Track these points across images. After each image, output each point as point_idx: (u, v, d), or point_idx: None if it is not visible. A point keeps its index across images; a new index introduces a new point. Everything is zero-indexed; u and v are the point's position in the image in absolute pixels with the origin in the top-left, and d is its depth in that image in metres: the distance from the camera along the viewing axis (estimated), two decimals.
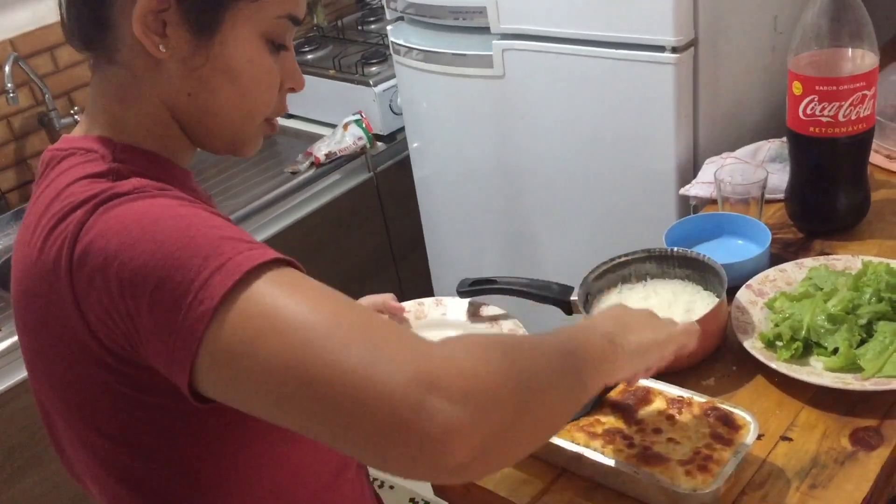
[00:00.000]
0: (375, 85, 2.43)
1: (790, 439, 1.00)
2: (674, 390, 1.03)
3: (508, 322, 1.21)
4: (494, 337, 0.72)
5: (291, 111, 2.74)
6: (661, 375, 1.09)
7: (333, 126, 2.50)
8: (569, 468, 1.00)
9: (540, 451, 1.01)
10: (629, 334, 0.83)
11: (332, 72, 2.55)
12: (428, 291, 2.34)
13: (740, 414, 0.98)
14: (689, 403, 1.00)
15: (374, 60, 2.52)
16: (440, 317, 1.25)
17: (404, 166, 2.34)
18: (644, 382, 1.04)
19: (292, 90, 0.86)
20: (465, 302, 1.26)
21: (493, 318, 1.23)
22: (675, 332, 0.91)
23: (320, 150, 2.40)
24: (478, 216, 1.97)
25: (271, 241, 2.29)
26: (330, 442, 0.63)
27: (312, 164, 2.41)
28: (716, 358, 1.14)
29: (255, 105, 0.82)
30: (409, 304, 1.28)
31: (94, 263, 0.68)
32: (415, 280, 2.55)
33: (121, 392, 0.74)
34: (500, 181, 1.87)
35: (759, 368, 1.09)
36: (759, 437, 1.01)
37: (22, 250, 0.77)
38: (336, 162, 2.42)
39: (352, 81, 2.49)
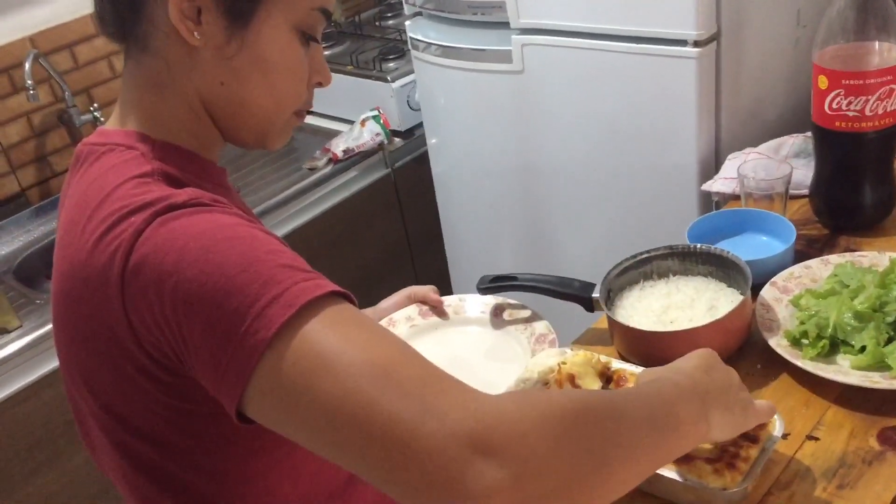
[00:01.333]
0: (393, 81, 2.42)
1: (817, 438, 0.99)
2: None
3: (540, 324, 1.20)
4: (568, 399, 0.67)
5: None
6: None
7: (351, 122, 2.49)
8: None
9: None
10: (717, 411, 0.80)
11: (349, 67, 2.54)
12: (445, 288, 2.33)
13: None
14: None
15: (392, 56, 2.51)
16: (479, 315, 1.25)
17: (422, 162, 2.33)
18: None
19: (320, 84, 0.86)
20: (503, 301, 1.26)
21: (527, 321, 1.21)
22: (754, 415, 0.88)
23: (338, 147, 2.40)
24: (496, 212, 1.96)
25: (289, 237, 2.30)
26: (368, 478, 0.63)
27: (330, 160, 2.40)
28: (740, 356, 1.12)
29: (285, 96, 0.82)
30: (450, 300, 1.27)
31: (149, 276, 0.68)
32: (432, 277, 2.54)
33: (159, 398, 0.74)
34: (519, 177, 1.86)
35: (784, 366, 1.08)
36: (785, 436, 0.99)
37: (67, 249, 0.76)
38: (353, 158, 2.41)
39: (369, 77, 2.49)
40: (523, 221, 1.92)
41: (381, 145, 2.43)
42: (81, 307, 0.75)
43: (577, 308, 1.21)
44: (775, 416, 0.95)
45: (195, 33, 0.77)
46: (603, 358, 1.06)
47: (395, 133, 2.49)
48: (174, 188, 0.74)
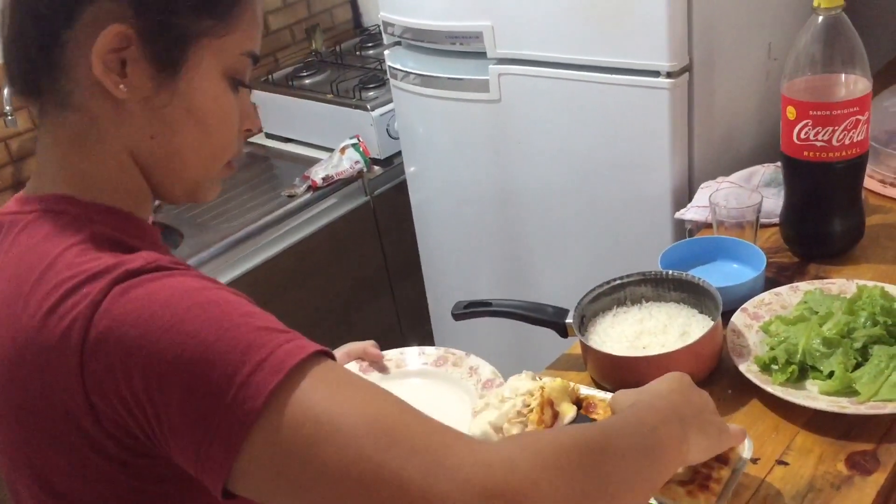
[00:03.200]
0: (373, 109, 2.44)
1: (786, 463, 1.00)
2: None
3: (486, 370, 1.19)
4: (568, 438, 0.68)
5: (289, 135, 2.76)
6: None
7: (331, 150, 2.50)
8: None
9: None
10: (694, 432, 0.82)
11: (329, 96, 2.56)
12: (424, 315, 2.34)
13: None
14: None
15: (372, 85, 2.53)
16: (421, 366, 1.24)
17: (401, 191, 2.35)
18: None
19: (249, 132, 0.82)
20: (445, 352, 1.25)
21: (472, 368, 1.21)
22: (727, 438, 0.90)
23: (317, 174, 2.41)
24: (474, 240, 1.97)
25: (267, 264, 2.30)
26: None
27: (309, 187, 2.41)
28: (711, 381, 1.14)
29: (220, 145, 0.78)
30: (390, 353, 1.27)
31: (113, 352, 0.63)
32: (411, 304, 2.55)
33: (124, 482, 0.69)
34: (497, 206, 1.88)
35: (755, 392, 1.09)
36: (755, 460, 1.00)
37: (7, 326, 0.70)
38: (333, 185, 2.42)
39: (349, 106, 2.50)
40: (501, 249, 1.93)
41: (360, 173, 2.44)
42: (28, 386, 0.68)
43: (551, 334, 1.22)
44: (745, 439, 0.96)
45: (121, 86, 0.71)
46: (573, 384, 1.07)
47: (375, 161, 2.50)
48: (121, 252, 0.69)
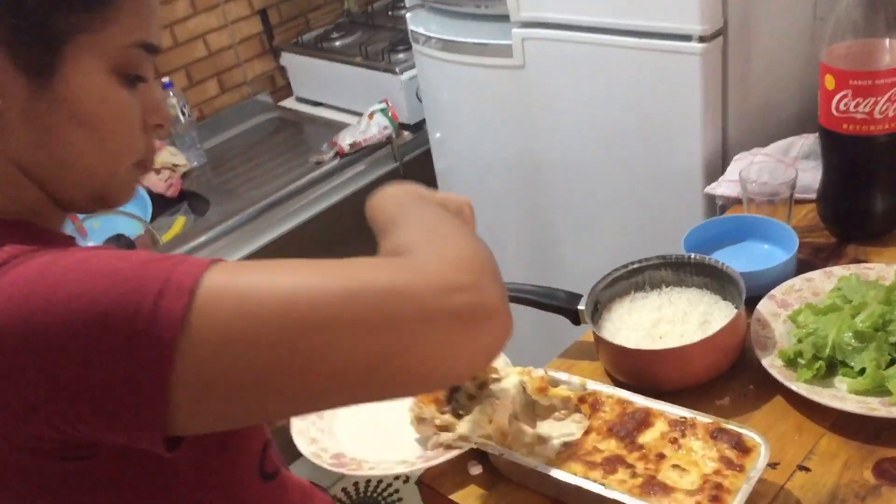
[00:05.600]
0: (402, 73, 2.37)
1: (808, 469, 0.92)
2: (676, 411, 0.95)
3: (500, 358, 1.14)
4: (436, 219, 0.75)
5: (319, 99, 2.70)
6: (670, 392, 1.02)
7: (359, 114, 2.44)
8: (562, 499, 0.94)
9: (532, 481, 0.95)
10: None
11: (358, 59, 2.49)
12: None
13: (749, 435, 0.90)
14: (693, 425, 0.93)
15: (402, 48, 2.45)
16: None
17: (431, 157, 2.28)
18: (644, 403, 0.97)
19: (161, 128, 0.75)
20: None
21: None
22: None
23: (345, 140, 2.35)
24: (499, 210, 1.90)
25: (294, 233, 2.25)
26: (367, 377, 0.61)
27: (337, 154, 2.36)
28: (733, 375, 1.06)
29: (116, 149, 0.71)
30: None
31: None
32: None
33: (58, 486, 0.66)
34: (522, 174, 1.80)
35: (778, 388, 1.01)
36: (774, 465, 0.93)
37: None
38: (361, 152, 2.36)
39: (378, 69, 2.43)
40: (526, 222, 1.86)
41: (389, 139, 2.38)
42: None
43: (564, 320, 1.15)
44: (760, 443, 0.89)
45: None
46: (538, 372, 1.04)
47: (404, 126, 2.43)
48: None
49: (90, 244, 2.21)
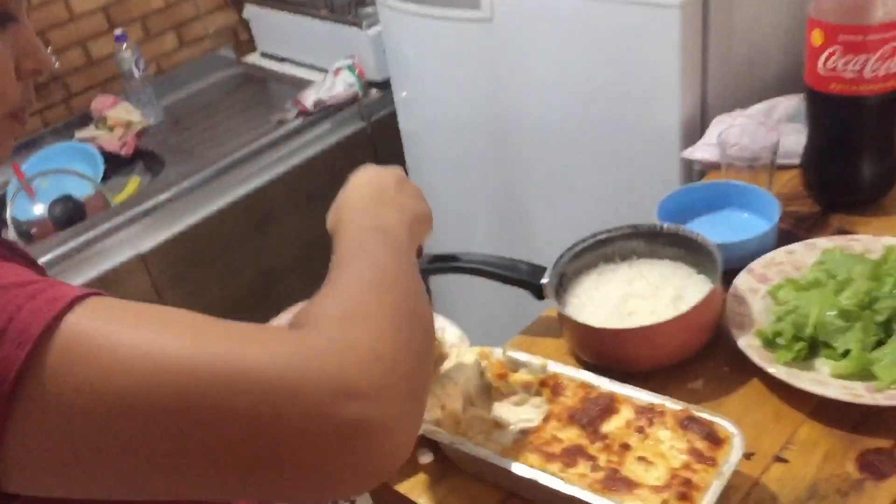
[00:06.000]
0: (369, 28, 2.25)
1: (785, 460, 0.85)
2: (643, 396, 0.87)
3: (452, 333, 1.04)
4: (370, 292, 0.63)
5: (284, 54, 2.58)
6: (640, 374, 0.94)
7: (325, 71, 2.32)
8: (517, 492, 0.86)
9: (486, 472, 0.87)
10: (407, 211, 0.79)
11: (324, 12, 2.37)
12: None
13: (722, 425, 0.82)
14: (662, 412, 0.85)
15: (370, 0, 2.33)
16: None
17: None
18: (609, 387, 0.89)
19: (37, 73, 0.67)
20: None
21: (438, 330, 1.06)
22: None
23: (308, 99, 2.24)
24: (466, 176, 1.80)
25: (257, 195, 2.15)
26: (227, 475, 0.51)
27: (300, 112, 2.25)
28: (707, 355, 0.98)
29: None
30: None
31: None
32: None
33: None
34: (491, 136, 1.70)
35: (755, 371, 0.93)
36: (749, 455, 0.85)
37: None
38: (326, 110, 2.25)
39: (344, 23, 2.31)
40: (495, 185, 1.76)
41: (355, 97, 2.27)
42: None
43: (526, 294, 1.07)
44: (733, 433, 0.81)
45: None
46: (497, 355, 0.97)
47: (372, 84, 2.32)
48: None
49: (38, 205, 2.10)
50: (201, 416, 0.50)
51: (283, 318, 1.03)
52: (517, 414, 0.92)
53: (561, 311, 0.99)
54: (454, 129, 1.78)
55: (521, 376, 0.94)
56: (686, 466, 0.79)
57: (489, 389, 0.95)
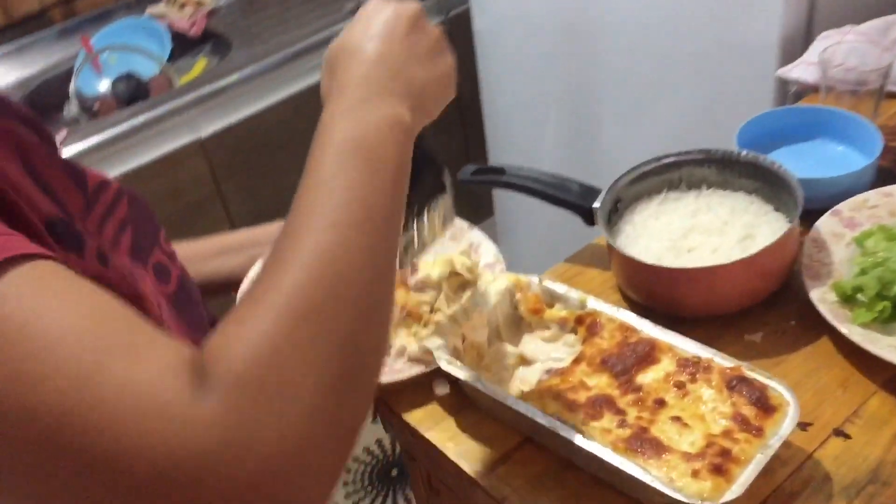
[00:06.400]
0: None
1: (847, 436, 0.73)
2: (690, 347, 0.76)
3: (489, 251, 0.95)
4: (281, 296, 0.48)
5: None
6: (691, 319, 0.83)
7: None
8: (535, 438, 0.77)
9: (502, 413, 0.78)
10: (416, 116, 0.61)
11: None
12: (482, 161, 2.08)
13: (776, 389, 0.71)
14: (708, 368, 0.74)
15: None
16: None
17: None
18: (652, 332, 0.78)
19: None
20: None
21: (474, 246, 0.96)
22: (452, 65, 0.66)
23: None
24: (541, 81, 1.67)
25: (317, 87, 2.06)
26: None
27: None
28: (772, 305, 0.86)
29: None
30: None
31: None
32: (477, 143, 2.29)
33: None
34: (570, 39, 1.56)
35: (826, 329, 0.81)
36: (805, 426, 0.74)
37: None
38: None
39: None
40: (570, 93, 1.63)
41: None
42: None
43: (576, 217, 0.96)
44: (788, 401, 0.70)
45: None
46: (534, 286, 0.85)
47: None
48: None
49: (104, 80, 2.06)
50: (64, 461, 0.41)
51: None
52: (546, 351, 0.83)
53: (610, 242, 0.87)
54: (531, 30, 1.63)
55: (557, 312, 0.84)
56: (726, 434, 0.69)
57: (519, 322, 0.85)
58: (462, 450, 0.78)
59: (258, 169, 2.01)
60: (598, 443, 0.69)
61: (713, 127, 1.31)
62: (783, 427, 0.68)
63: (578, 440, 0.70)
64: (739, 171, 0.93)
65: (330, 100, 0.59)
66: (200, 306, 0.82)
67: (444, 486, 0.85)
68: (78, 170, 0.70)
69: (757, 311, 0.85)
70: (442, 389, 0.84)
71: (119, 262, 0.65)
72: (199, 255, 0.98)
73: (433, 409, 0.83)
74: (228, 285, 0.95)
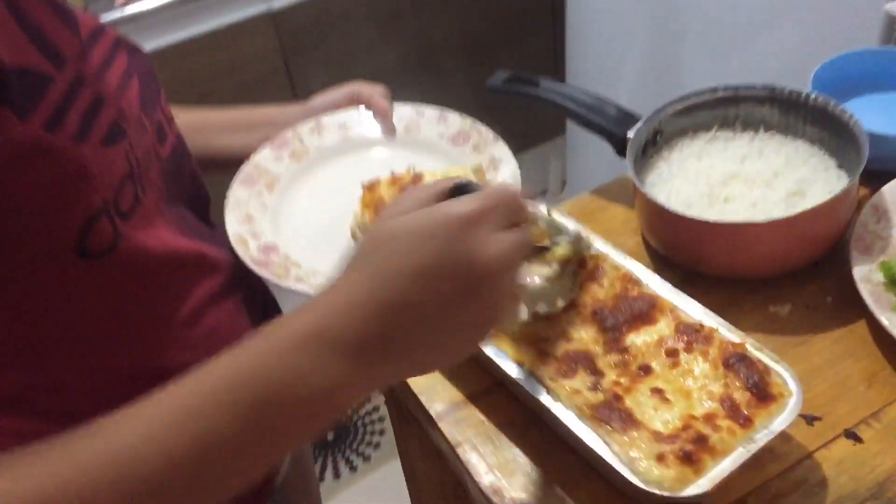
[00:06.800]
0: None
1: (859, 439, 0.63)
2: (695, 311, 0.66)
3: (507, 169, 0.85)
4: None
5: None
6: (713, 278, 0.73)
7: None
8: (505, 384, 0.69)
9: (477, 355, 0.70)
10: (401, 337, 0.46)
11: None
12: (557, 74, 1.95)
13: (781, 375, 0.61)
14: (709, 339, 0.64)
15: None
16: (435, 138, 0.92)
17: None
18: (655, 288, 0.69)
19: None
20: (469, 123, 0.91)
21: (493, 161, 0.87)
22: (499, 308, 0.49)
23: None
24: (631, 9, 1.52)
25: None
26: None
27: None
28: (810, 275, 0.75)
29: None
30: (404, 111, 0.94)
31: None
32: (543, 57, 2.16)
33: None
34: None
35: (865, 312, 0.70)
36: (812, 419, 0.65)
37: None
38: None
39: None
40: (660, 23, 1.48)
41: None
42: None
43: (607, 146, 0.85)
44: (792, 390, 0.60)
45: None
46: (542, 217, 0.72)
47: None
48: None
49: None
50: None
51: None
52: (538, 293, 0.74)
53: (633, 178, 0.77)
54: None
55: (561, 250, 0.75)
56: (709, 418, 0.59)
57: None
58: (428, 383, 0.72)
59: (331, 50, 1.93)
60: (562, 404, 0.61)
61: (799, 60, 1.16)
62: (776, 421, 0.58)
63: (543, 398, 0.62)
64: (806, 115, 0.81)
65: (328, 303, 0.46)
66: (186, 178, 0.76)
67: (413, 418, 0.79)
68: (69, 12, 0.63)
69: (790, 279, 0.75)
70: None
71: (94, 139, 0.58)
72: (212, 126, 0.92)
73: None
74: (235, 163, 0.89)
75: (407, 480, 0.97)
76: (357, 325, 0.45)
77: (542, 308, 0.71)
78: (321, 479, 1.83)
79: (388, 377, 0.48)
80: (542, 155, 2.33)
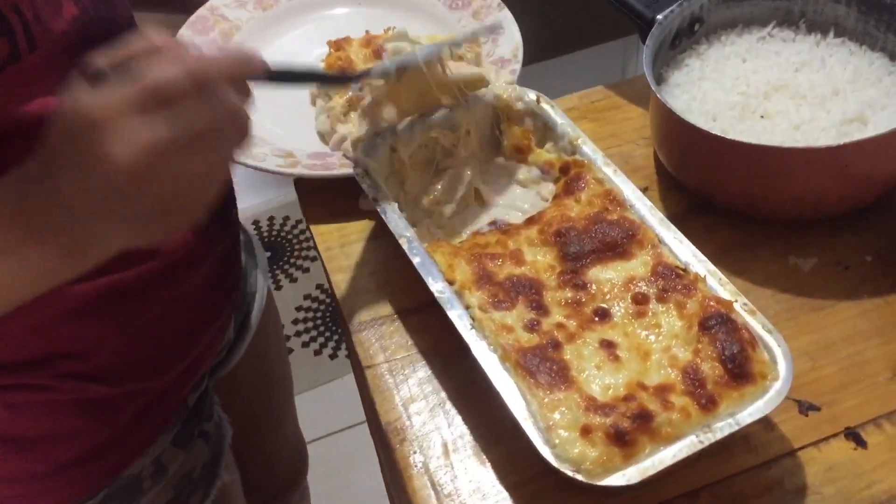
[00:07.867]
0: None
1: (863, 443, 0.50)
2: (683, 251, 0.52)
3: (510, 42, 0.71)
4: None
5: None
6: (728, 210, 0.59)
7: None
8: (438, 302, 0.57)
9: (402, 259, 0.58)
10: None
11: None
12: None
13: (772, 350, 0.47)
14: (690, 288, 0.50)
15: None
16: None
17: None
18: (642, 213, 0.54)
19: None
20: None
21: (493, 30, 0.72)
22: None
23: None
24: None
25: None
26: None
27: None
28: (850, 224, 0.59)
29: None
30: None
31: None
32: None
33: None
34: None
35: None
36: (806, 408, 0.51)
37: None
38: None
39: None
40: None
41: None
42: None
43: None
44: (780, 368, 0.46)
45: None
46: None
47: None
48: None
49: None
50: None
51: None
52: (512, 197, 0.61)
53: (647, 76, 0.61)
54: None
55: (545, 154, 0.61)
56: (661, 390, 0.46)
57: (499, 142, 0.63)
58: (355, 289, 0.60)
59: None
60: (484, 342, 0.49)
61: None
62: (747, 410, 0.45)
63: (463, 330, 0.49)
64: (891, 22, 0.63)
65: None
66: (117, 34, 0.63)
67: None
68: None
69: (821, 227, 0.59)
70: (366, 204, 0.64)
71: None
72: None
73: (351, 226, 0.64)
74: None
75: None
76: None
77: (507, 218, 0.59)
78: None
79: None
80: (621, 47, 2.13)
